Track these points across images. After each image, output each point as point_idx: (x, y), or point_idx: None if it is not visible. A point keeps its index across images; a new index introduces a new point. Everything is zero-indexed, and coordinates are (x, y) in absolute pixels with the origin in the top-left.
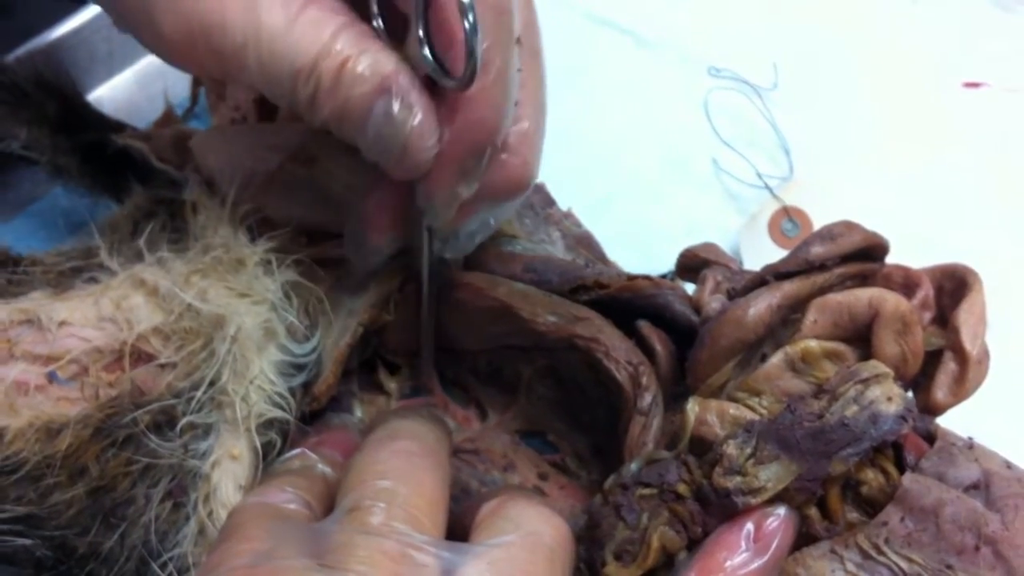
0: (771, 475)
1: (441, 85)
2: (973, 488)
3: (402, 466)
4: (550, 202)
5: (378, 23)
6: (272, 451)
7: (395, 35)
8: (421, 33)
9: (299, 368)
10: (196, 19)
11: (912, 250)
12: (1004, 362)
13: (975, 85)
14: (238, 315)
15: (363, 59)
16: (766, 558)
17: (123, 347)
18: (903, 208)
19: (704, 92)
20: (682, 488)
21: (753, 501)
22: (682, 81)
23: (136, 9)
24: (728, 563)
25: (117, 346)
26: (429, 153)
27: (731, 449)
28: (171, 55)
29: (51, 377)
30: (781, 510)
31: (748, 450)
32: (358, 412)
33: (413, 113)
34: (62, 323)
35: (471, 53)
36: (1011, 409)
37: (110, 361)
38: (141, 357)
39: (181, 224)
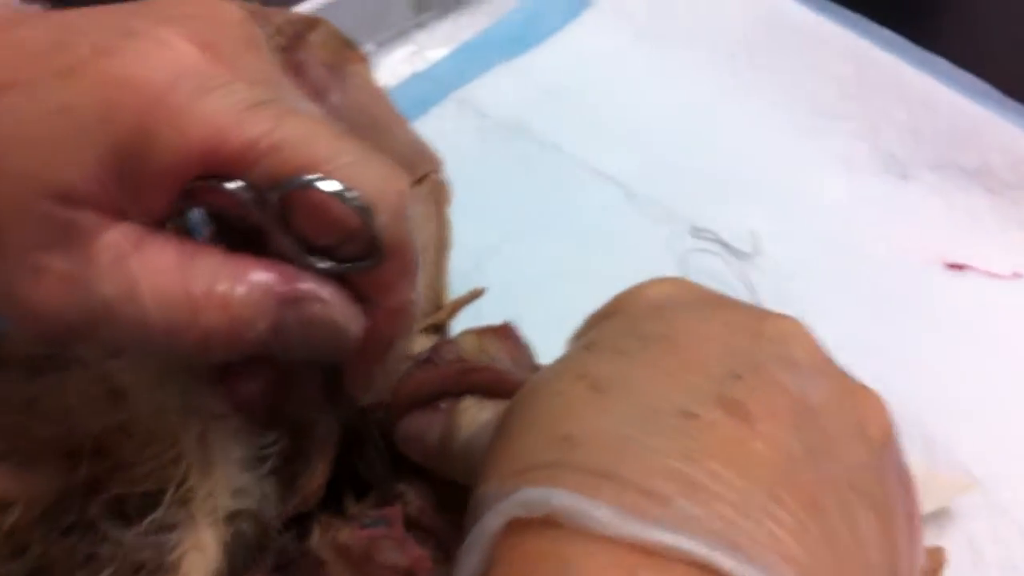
0: None
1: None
2: None
3: None
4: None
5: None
6: (243, 540)
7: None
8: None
9: (263, 460)
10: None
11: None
12: None
13: (959, 267)
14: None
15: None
16: None
17: (84, 441)
18: (881, 384)
19: (685, 251)
20: None
21: None
22: (664, 237)
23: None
24: None
25: (79, 439)
26: (357, 333)
27: None
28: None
29: None
30: None
31: None
32: (315, 535)
33: (330, 304)
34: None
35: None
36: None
37: (72, 451)
38: (102, 451)
39: None
